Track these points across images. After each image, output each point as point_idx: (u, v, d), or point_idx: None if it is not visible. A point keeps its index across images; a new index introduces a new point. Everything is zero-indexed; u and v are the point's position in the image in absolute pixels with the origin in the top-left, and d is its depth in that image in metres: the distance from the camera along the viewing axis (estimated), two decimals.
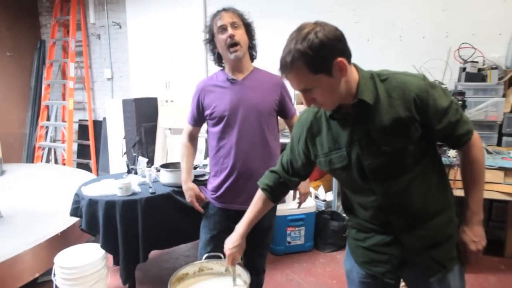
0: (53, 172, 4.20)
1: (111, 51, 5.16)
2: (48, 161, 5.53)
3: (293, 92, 3.82)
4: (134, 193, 2.35)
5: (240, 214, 1.84)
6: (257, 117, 1.80)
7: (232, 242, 1.38)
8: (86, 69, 5.29)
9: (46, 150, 5.46)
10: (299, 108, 3.90)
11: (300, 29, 1.03)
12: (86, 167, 5.13)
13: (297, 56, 1.00)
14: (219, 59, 1.86)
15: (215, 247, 1.79)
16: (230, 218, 1.88)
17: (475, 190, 1.18)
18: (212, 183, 1.91)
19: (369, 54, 3.54)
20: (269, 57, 4.11)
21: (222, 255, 1.56)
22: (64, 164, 5.15)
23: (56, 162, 5.66)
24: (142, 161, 2.79)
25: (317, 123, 1.22)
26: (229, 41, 1.71)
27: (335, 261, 2.97)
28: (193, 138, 2.00)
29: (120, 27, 5.02)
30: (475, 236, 1.18)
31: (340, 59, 1.01)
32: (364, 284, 1.31)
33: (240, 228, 1.39)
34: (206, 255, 1.54)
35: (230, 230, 1.89)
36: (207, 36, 1.83)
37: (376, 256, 1.23)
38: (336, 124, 1.16)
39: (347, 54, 1.04)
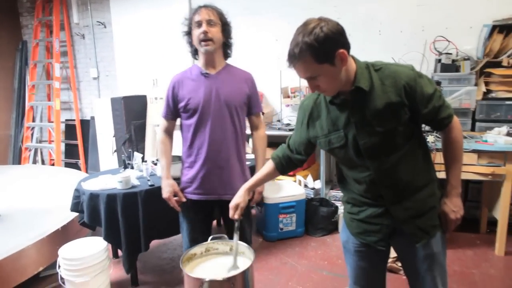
0: (43, 172, 4.22)
1: (97, 51, 5.17)
2: (34, 162, 5.51)
3: (279, 86, 3.97)
4: (133, 186, 2.45)
5: (216, 203, 1.95)
6: (229, 109, 1.87)
7: (237, 195, 1.53)
8: (71, 69, 5.28)
9: (32, 151, 5.43)
10: (285, 102, 4.06)
11: (306, 24, 1.16)
12: (75, 167, 5.13)
13: (305, 48, 1.13)
14: (195, 52, 1.92)
15: (199, 234, 1.91)
16: (207, 208, 1.97)
17: (454, 167, 1.35)
18: (187, 174, 1.95)
19: (351, 48, 3.72)
20: (255, 53, 4.27)
21: (226, 236, 1.69)
22: (52, 164, 5.15)
23: (43, 162, 5.64)
24: (138, 156, 2.89)
25: (317, 108, 1.37)
26: (202, 37, 1.78)
27: (325, 244, 3.14)
28: (169, 134, 2.02)
29: (105, 27, 5.04)
30: (454, 207, 1.35)
31: (341, 50, 1.15)
32: (359, 253, 1.46)
33: (246, 184, 1.54)
34: (212, 236, 1.65)
35: (209, 217, 2.01)
36: (186, 29, 1.89)
37: (369, 227, 1.39)
38: (335, 109, 1.30)
39: (347, 46, 1.18)
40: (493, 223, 3.00)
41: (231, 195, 1.89)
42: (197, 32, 1.79)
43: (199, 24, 1.78)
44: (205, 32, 1.77)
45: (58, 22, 5.13)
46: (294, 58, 1.17)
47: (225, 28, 1.87)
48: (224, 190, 1.92)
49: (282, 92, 4.02)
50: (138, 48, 4.82)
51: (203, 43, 1.79)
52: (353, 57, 1.26)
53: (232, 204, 1.52)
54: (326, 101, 1.33)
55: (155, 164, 2.74)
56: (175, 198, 1.94)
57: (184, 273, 1.45)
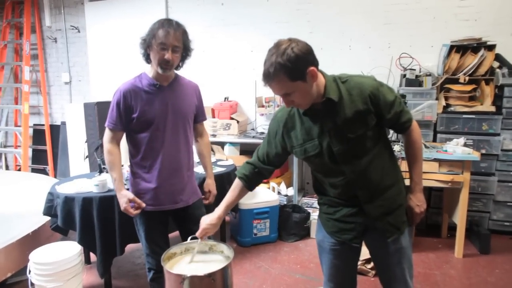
0: (11, 177, 4.07)
1: (69, 55, 5.09)
2: None
3: (254, 96, 4.08)
4: (110, 190, 2.44)
5: (170, 212, 1.97)
6: (182, 120, 1.91)
7: (209, 219, 1.57)
8: (42, 72, 5.16)
9: None
10: (259, 111, 4.17)
11: (278, 45, 1.26)
12: (43, 173, 4.98)
13: (278, 68, 1.23)
14: (148, 57, 1.84)
15: (157, 236, 1.95)
16: (162, 216, 1.97)
17: (416, 165, 1.50)
18: (138, 185, 1.92)
19: (322, 62, 3.81)
20: (230, 63, 4.37)
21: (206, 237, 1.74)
22: (18, 170, 4.97)
23: (7, 168, 5.43)
24: None
25: (291, 119, 1.47)
26: (164, 62, 1.76)
27: (298, 249, 3.23)
28: (118, 144, 1.91)
29: (79, 31, 4.99)
30: (418, 201, 1.51)
31: (312, 68, 1.26)
32: (334, 251, 1.56)
33: (219, 210, 1.58)
34: (191, 236, 1.70)
35: (165, 223, 2.01)
36: (145, 37, 1.80)
37: (344, 225, 1.50)
38: (308, 120, 1.41)
39: (316, 63, 1.30)
40: (453, 228, 3.21)
41: (184, 202, 1.96)
42: (159, 54, 1.75)
43: (163, 48, 1.74)
44: (168, 59, 1.76)
45: (29, 25, 5.02)
46: (269, 77, 1.27)
47: (186, 52, 1.87)
48: (177, 199, 1.95)
49: (257, 101, 4.13)
50: (112, 54, 4.80)
51: (163, 65, 1.78)
52: (321, 72, 1.38)
53: (203, 227, 1.57)
54: (299, 113, 1.43)
55: None
56: (132, 204, 1.87)
57: (165, 270, 1.49)
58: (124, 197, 1.86)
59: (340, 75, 1.41)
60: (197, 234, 1.59)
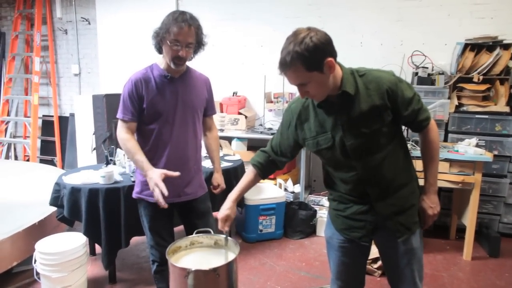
0: (19, 167, 4.11)
1: (79, 47, 5.11)
2: (7, 157, 5.34)
3: (263, 91, 4.05)
4: (116, 182, 2.44)
5: (175, 205, 1.92)
6: (191, 113, 1.89)
7: (225, 207, 1.54)
8: (52, 64, 5.18)
9: (5, 146, 5.27)
10: (268, 107, 4.13)
11: (296, 33, 1.22)
12: (50, 164, 5.00)
13: (295, 57, 1.19)
14: (160, 49, 1.81)
15: (160, 229, 1.92)
16: (167, 209, 1.88)
17: (432, 166, 1.46)
18: (144, 176, 1.84)
19: None
20: (240, 57, 4.34)
21: (211, 230, 1.72)
22: (27, 160, 5.01)
23: (16, 158, 5.47)
24: (120, 152, 2.87)
25: (305, 111, 1.43)
26: (177, 57, 1.73)
27: (303, 246, 3.21)
28: (132, 133, 1.86)
29: (89, 23, 4.99)
30: (432, 203, 1.46)
31: (330, 59, 1.22)
32: (342, 248, 1.53)
33: (232, 195, 1.56)
34: (197, 230, 1.68)
35: (170, 216, 1.97)
36: (158, 31, 1.75)
37: (354, 223, 1.46)
38: (322, 112, 1.37)
39: (334, 54, 1.26)
40: (461, 230, 3.16)
41: (190, 196, 1.93)
42: (172, 50, 1.72)
43: (177, 44, 1.70)
44: (181, 56, 1.73)
45: (40, 16, 5.03)
46: (286, 66, 1.23)
47: (199, 45, 1.82)
48: (182, 192, 1.92)
49: (266, 97, 4.10)
50: (122, 47, 4.79)
51: (176, 61, 1.75)
52: (339, 64, 1.34)
53: (221, 216, 1.53)
54: (313, 104, 1.40)
55: None
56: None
57: (170, 264, 1.47)
58: (159, 171, 1.74)
59: (358, 68, 1.37)
60: (220, 226, 1.53)
